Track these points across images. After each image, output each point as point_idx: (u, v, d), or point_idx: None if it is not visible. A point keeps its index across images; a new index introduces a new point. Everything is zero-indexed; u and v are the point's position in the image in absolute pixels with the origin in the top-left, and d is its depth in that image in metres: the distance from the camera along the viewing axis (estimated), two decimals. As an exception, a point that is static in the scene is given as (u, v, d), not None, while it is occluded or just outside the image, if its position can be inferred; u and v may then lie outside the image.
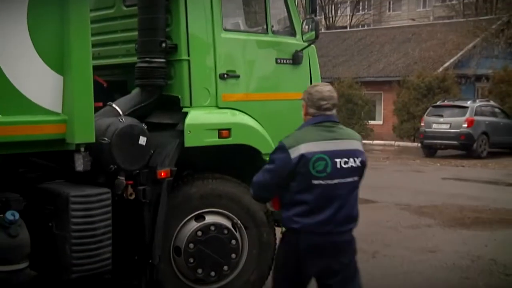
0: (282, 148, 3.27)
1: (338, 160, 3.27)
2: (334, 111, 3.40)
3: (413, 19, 38.35)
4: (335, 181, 3.27)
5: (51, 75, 3.63)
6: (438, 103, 19.81)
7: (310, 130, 3.33)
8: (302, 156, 3.21)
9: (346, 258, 3.46)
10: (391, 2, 52.67)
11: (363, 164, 3.38)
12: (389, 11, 52.39)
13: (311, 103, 3.37)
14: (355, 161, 3.33)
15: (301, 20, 5.29)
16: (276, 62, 5.09)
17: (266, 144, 4.83)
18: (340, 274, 3.43)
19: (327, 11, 39.05)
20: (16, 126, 3.50)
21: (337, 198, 3.30)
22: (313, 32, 5.11)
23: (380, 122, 26.10)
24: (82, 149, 3.76)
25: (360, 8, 47.28)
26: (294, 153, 3.22)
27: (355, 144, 3.39)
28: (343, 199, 3.31)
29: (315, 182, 3.24)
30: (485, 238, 7.57)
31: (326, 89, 3.40)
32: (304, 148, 3.22)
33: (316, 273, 3.40)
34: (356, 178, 3.37)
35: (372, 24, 42.39)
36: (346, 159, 3.30)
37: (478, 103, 19.21)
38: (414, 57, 26.45)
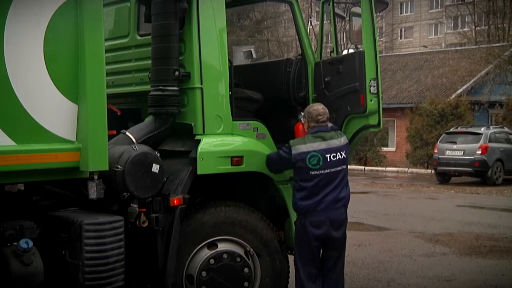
0: (289, 146, 4.59)
1: (327, 156, 4.55)
2: (328, 123, 4.69)
3: (425, 46, 38.46)
4: (327, 170, 4.55)
5: (65, 104, 3.67)
6: (451, 129, 19.75)
7: (309, 137, 4.63)
8: (299, 154, 4.52)
9: (339, 233, 4.67)
10: (403, 30, 52.93)
11: (347, 154, 4.67)
12: (401, 38, 52.62)
13: (311, 119, 4.68)
14: (341, 155, 4.61)
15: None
16: None
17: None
18: (337, 250, 4.74)
19: (339, 39, 39.27)
20: (30, 155, 3.52)
21: (330, 183, 4.56)
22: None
23: (393, 149, 26.01)
24: (96, 177, 3.77)
25: (372, 35, 47.38)
26: (294, 151, 4.54)
27: (340, 141, 4.65)
28: (334, 184, 4.57)
29: (313, 173, 4.53)
30: (503, 267, 7.44)
31: (321, 107, 4.72)
32: (302, 149, 4.54)
33: (320, 244, 4.63)
34: (344, 167, 4.64)
35: (384, 51, 42.53)
36: (334, 154, 4.57)
37: (492, 129, 19.12)
38: (427, 83, 26.46)
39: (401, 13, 53.71)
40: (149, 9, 4.58)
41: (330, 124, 4.73)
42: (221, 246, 4.59)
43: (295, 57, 5.56)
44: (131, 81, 5.01)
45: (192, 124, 4.57)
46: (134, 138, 4.39)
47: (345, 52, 5.24)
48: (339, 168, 4.61)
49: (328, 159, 4.55)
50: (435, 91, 25.12)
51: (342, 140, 4.68)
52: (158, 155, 4.20)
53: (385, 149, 25.32)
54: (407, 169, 23.34)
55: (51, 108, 3.62)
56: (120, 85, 5.04)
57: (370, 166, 24.45)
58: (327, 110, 4.72)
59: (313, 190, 4.55)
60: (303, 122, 4.93)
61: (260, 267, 4.75)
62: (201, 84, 4.55)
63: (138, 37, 4.93)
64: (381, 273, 6.98)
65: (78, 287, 3.70)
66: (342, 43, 6.39)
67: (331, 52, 5.49)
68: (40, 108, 3.57)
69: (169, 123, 4.58)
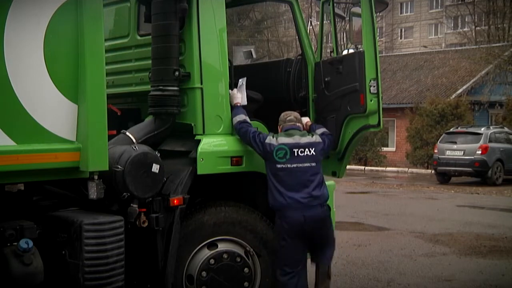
0: (268, 134, 4.69)
1: (295, 150, 4.62)
2: (298, 124, 4.83)
3: (425, 46, 38.45)
4: (294, 165, 4.59)
5: (66, 104, 3.67)
6: (451, 129, 19.74)
7: (281, 134, 4.75)
8: (269, 145, 4.58)
9: (323, 231, 4.75)
10: (403, 30, 52.92)
11: (317, 152, 4.69)
12: (401, 38, 52.61)
13: (281, 121, 4.85)
14: (310, 151, 4.65)
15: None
16: None
17: None
18: (323, 243, 4.81)
19: (339, 39, 39.26)
20: (31, 155, 3.52)
21: (299, 180, 4.59)
22: None
23: (393, 149, 26.01)
24: (96, 177, 3.77)
25: (372, 35, 47.32)
26: (267, 140, 4.61)
27: (311, 139, 4.73)
28: (304, 181, 4.60)
29: (279, 166, 4.59)
30: (502, 267, 7.44)
31: (288, 111, 4.90)
32: (272, 141, 4.60)
33: (300, 241, 4.63)
34: (313, 164, 4.66)
35: (384, 51, 42.52)
36: (302, 149, 4.64)
37: (492, 129, 19.12)
38: (427, 84, 26.45)
39: (401, 13, 53.70)
40: (149, 9, 4.58)
41: (304, 125, 4.93)
42: (221, 246, 4.59)
43: (295, 57, 5.56)
44: (131, 81, 5.01)
45: (192, 124, 4.57)
46: (134, 138, 4.39)
47: (345, 52, 5.24)
48: (308, 164, 4.63)
49: (296, 154, 4.61)
50: (435, 91, 25.12)
51: (314, 138, 4.75)
52: (158, 155, 4.20)
53: (385, 149, 25.31)
54: (407, 169, 23.34)
55: (51, 108, 3.62)
56: (120, 85, 5.04)
57: (370, 166, 24.45)
58: (296, 113, 4.90)
59: (283, 186, 4.56)
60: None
61: (260, 267, 4.75)
62: (201, 84, 4.55)
63: (138, 37, 4.93)
64: (381, 273, 6.98)
65: (78, 287, 3.70)
66: (342, 43, 6.38)
67: (331, 52, 5.49)
68: (40, 108, 3.57)
69: (169, 123, 4.57)
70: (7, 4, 3.44)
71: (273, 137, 4.65)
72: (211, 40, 4.60)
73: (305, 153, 4.64)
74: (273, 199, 4.62)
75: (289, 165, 4.59)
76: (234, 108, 4.71)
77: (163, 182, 4.23)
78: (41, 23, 3.56)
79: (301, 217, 4.57)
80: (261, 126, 4.91)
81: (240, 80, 4.85)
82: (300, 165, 4.62)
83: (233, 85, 4.80)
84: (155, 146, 4.45)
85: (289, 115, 4.84)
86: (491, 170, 17.99)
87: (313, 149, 4.68)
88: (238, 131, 4.64)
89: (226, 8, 4.72)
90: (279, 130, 4.84)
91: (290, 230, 4.58)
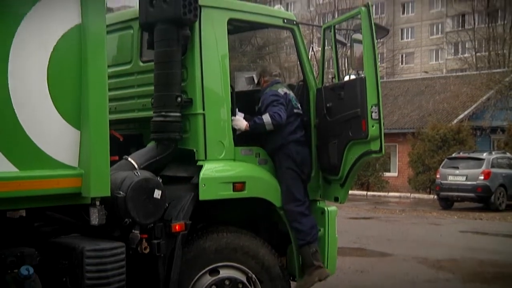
0: (275, 91, 5.05)
1: (294, 98, 5.17)
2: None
3: (426, 72, 38.65)
4: (299, 110, 5.18)
5: (68, 130, 3.68)
6: (453, 155, 19.73)
7: (277, 85, 5.17)
8: (286, 94, 5.07)
9: None
10: (404, 55, 53.24)
11: None
12: (402, 64, 52.89)
13: (265, 73, 5.32)
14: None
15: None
16: None
17: (280, 197, 4.84)
18: None
19: (340, 65, 39.45)
20: (33, 181, 3.52)
21: (301, 122, 5.15)
22: None
23: (395, 174, 25.97)
24: (97, 203, 3.76)
25: (373, 61, 47.58)
26: (283, 91, 5.06)
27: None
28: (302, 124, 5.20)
29: (296, 111, 5.12)
30: (507, 293, 7.38)
31: (273, 65, 5.92)
32: (285, 90, 5.11)
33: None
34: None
35: (385, 77, 42.73)
36: (295, 98, 5.21)
37: (494, 155, 19.11)
38: (428, 109, 26.53)
39: (402, 39, 54.10)
40: (152, 36, 4.62)
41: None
42: (223, 273, 4.56)
43: (297, 83, 5.60)
44: (134, 107, 5.02)
45: (194, 150, 4.58)
46: (136, 163, 4.39)
47: (346, 78, 5.27)
48: (300, 110, 5.22)
49: (295, 101, 5.18)
50: (436, 116, 25.17)
51: None
52: (160, 180, 4.20)
53: (387, 174, 25.28)
54: (409, 194, 23.27)
55: (54, 134, 3.63)
56: (122, 111, 5.06)
57: (373, 191, 24.38)
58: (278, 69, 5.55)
59: (297, 126, 5.08)
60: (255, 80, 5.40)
61: (262, 294, 4.71)
62: (203, 110, 4.57)
63: (141, 64, 4.96)
64: (384, 300, 6.91)
65: (78, 314, 3.67)
66: (343, 69, 6.42)
67: (332, 78, 5.52)
68: (42, 135, 3.57)
69: (171, 149, 4.58)
70: (13, 30, 3.47)
71: (282, 89, 5.08)
72: (213, 66, 4.64)
73: (295, 101, 5.18)
74: (294, 134, 5.03)
75: (298, 111, 5.15)
76: (250, 128, 4.85)
77: (165, 208, 4.22)
78: (45, 50, 3.59)
79: (309, 151, 5.19)
80: (262, 152, 4.92)
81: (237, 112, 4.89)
82: (300, 110, 5.18)
83: (235, 111, 4.83)
84: (157, 172, 4.45)
85: (275, 70, 5.42)
86: (494, 195, 17.93)
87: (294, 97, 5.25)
88: (274, 123, 4.86)
89: (228, 34, 4.77)
90: (263, 82, 5.26)
91: (306, 161, 5.10)
